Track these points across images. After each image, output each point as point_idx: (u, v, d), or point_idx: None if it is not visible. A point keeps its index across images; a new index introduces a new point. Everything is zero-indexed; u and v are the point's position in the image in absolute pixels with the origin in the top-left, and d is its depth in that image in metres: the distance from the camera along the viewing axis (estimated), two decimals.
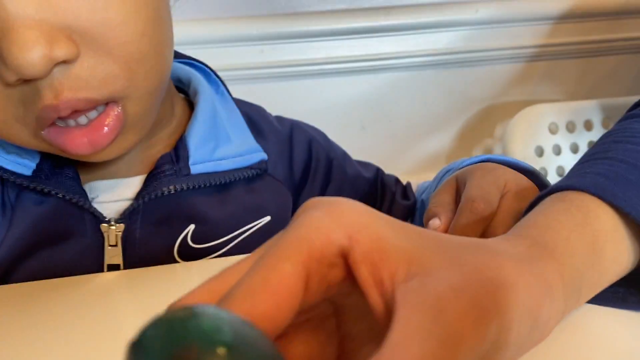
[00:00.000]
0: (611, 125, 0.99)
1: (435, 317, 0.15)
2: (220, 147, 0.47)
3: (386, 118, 1.03)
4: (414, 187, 0.64)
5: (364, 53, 0.96)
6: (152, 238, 0.44)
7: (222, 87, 0.52)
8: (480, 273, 0.18)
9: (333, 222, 0.18)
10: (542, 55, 1.02)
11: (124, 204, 0.44)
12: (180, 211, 0.45)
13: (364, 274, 0.18)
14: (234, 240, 0.47)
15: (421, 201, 0.58)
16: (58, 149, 0.36)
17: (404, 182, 0.62)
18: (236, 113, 0.51)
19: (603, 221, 0.25)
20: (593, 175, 0.28)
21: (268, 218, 0.49)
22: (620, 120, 0.40)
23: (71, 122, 0.35)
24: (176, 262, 0.46)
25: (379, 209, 0.56)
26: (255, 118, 0.53)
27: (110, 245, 0.43)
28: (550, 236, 0.23)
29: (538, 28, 1.00)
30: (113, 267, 0.44)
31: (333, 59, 0.96)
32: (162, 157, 0.44)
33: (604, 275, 0.25)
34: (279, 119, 0.57)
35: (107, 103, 0.35)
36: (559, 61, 1.04)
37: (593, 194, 0.26)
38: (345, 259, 0.19)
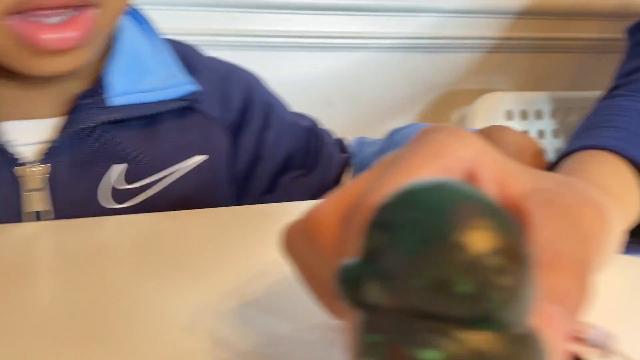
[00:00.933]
0: (559, 117, 1.07)
1: (571, 222, 0.18)
2: (145, 79, 0.46)
3: (352, 96, 1.06)
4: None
5: (336, 30, 0.98)
6: (78, 179, 0.44)
7: (149, 25, 0.51)
8: (591, 191, 0.20)
9: (461, 141, 0.19)
10: (500, 47, 1.08)
11: (46, 146, 0.43)
12: (106, 149, 0.44)
13: (495, 192, 0.19)
14: (165, 181, 0.47)
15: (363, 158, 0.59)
16: (24, 40, 0.37)
17: None
18: (163, 48, 0.50)
19: (627, 175, 0.30)
20: (607, 138, 0.32)
21: (201, 157, 0.49)
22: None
23: (45, 20, 0.37)
24: (106, 203, 0.45)
25: (317, 159, 0.58)
26: (188, 55, 0.53)
27: (34, 190, 0.42)
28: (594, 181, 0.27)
29: (499, 21, 1.06)
30: (39, 214, 0.43)
31: (306, 33, 0.97)
32: (82, 93, 0.44)
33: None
34: (216, 59, 0.57)
35: (81, 7, 0.38)
36: (514, 54, 1.11)
37: (617, 153, 0.30)
38: (471, 178, 0.19)
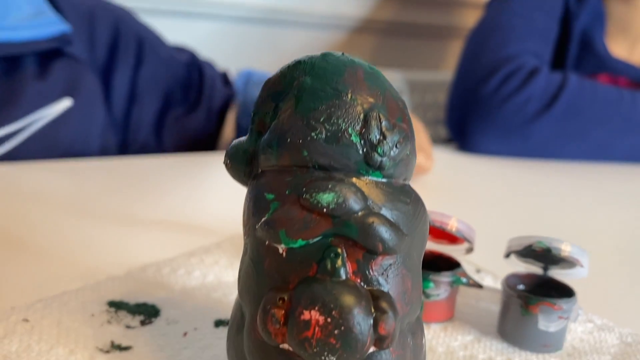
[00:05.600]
0: (412, 95, 1.17)
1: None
2: (8, 15, 0.42)
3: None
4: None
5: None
6: None
7: None
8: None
9: None
10: (361, 27, 1.15)
11: None
12: None
13: None
14: (30, 128, 0.44)
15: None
16: None
17: None
18: None
19: None
20: None
21: (69, 102, 0.46)
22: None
23: None
24: None
25: (200, 93, 0.56)
26: None
27: None
28: None
29: (362, 2, 1.13)
30: None
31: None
32: None
33: None
34: None
35: None
36: (364, 35, 1.18)
37: None
38: None
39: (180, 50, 0.59)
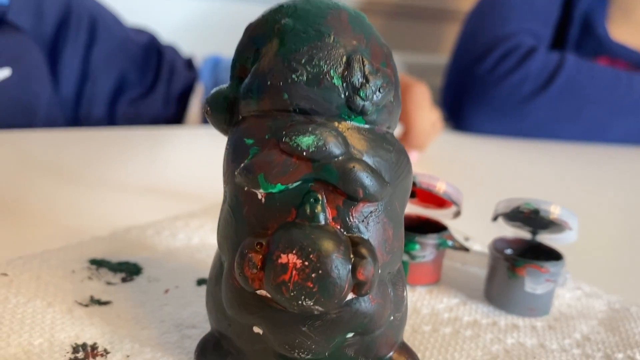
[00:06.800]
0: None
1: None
2: None
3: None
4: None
5: None
6: None
7: None
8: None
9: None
10: (359, 9, 1.14)
11: None
12: None
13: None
14: None
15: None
16: None
17: None
18: None
19: None
20: None
21: (7, 71, 0.45)
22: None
23: None
24: None
25: (157, 76, 0.55)
26: None
27: None
28: None
29: None
30: None
31: None
32: None
33: None
34: None
35: None
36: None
37: None
38: None
39: (139, 32, 0.57)
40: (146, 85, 0.55)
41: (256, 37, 0.22)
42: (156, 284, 0.30)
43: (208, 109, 0.23)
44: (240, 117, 0.22)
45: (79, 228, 0.36)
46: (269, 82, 0.21)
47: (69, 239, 0.34)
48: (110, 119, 0.55)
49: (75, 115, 0.54)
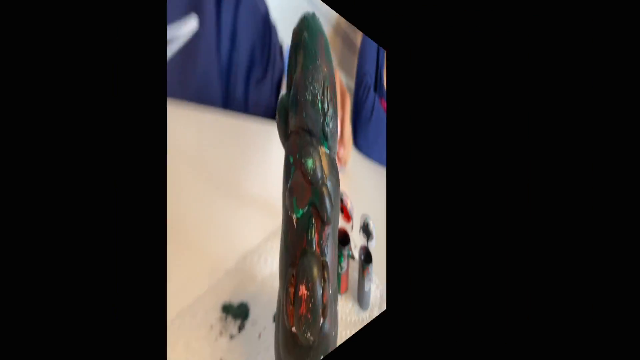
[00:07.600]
0: None
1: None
2: None
3: None
4: None
5: None
6: None
7: None
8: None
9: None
10: None
11: None
12: None
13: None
14: None
15: None
16: None
17: None
18: None
19: None
20: None
21: (194, 22, 0.40)
22: None
23: None
24: None
25: (268, 58, 0.48)
26: None
27: None
28: None
29: None
30: None
31: None
32: None
33: None
34: None
35: None
36: None
37: None
38: None
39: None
40: (264, 66, 0.44)
41: (295, 44, 0.21)
42: (252, 329, 0.31)
43: (277, 117, 0.21)
44: (289, 131, 0.20)
45: (215, 252, 0.34)
46: (298, 98, 0.20)
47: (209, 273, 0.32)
48: (230, 102, 0.41)
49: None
